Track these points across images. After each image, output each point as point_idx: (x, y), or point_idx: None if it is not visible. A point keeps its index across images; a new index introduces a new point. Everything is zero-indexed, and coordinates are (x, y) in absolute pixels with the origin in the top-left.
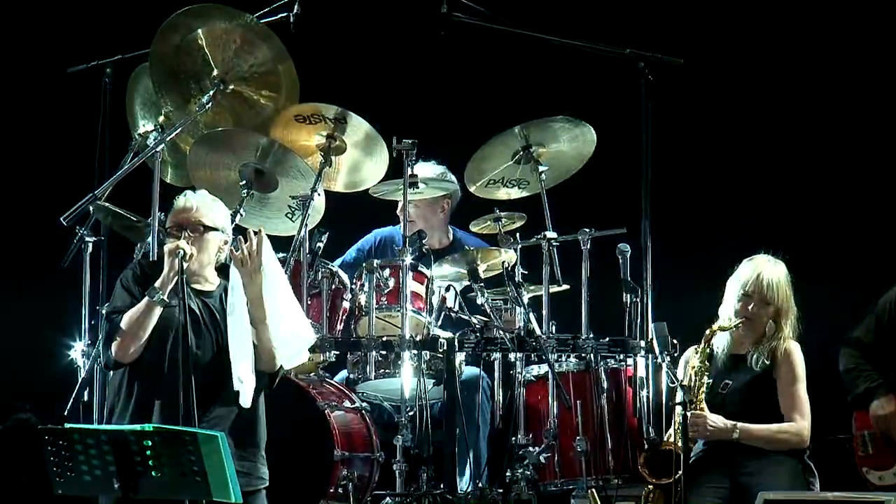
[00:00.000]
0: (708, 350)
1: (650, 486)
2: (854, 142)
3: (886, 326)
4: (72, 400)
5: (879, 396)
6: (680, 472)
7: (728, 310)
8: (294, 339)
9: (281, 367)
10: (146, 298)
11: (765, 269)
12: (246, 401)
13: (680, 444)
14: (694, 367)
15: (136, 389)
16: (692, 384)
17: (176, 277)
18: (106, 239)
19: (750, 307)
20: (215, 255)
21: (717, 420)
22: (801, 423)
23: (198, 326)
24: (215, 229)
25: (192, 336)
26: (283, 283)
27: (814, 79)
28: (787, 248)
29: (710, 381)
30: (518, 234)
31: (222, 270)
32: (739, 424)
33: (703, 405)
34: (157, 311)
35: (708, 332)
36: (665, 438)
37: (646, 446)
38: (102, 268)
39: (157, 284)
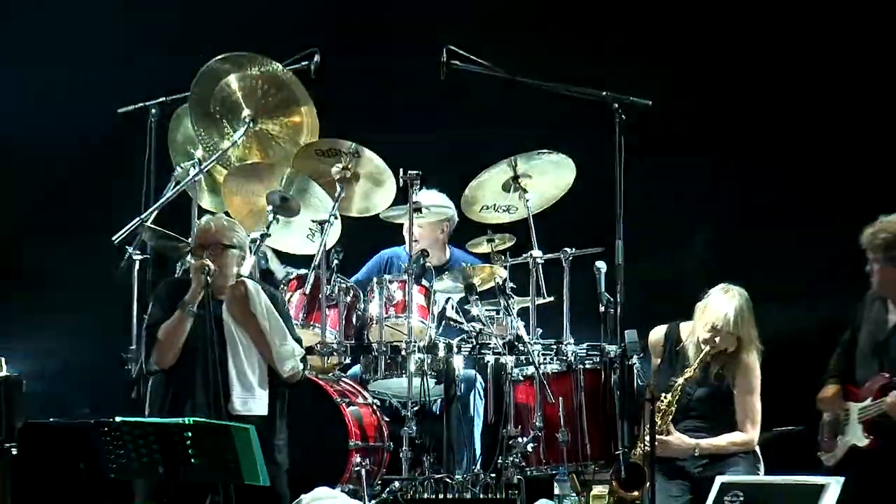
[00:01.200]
0: (681, 383)
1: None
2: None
3: (853, 332)
4: (125, 396)
5: (828, 384)
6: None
7: (699, 332)
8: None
9: (295, 375)
10: (178, 311)
11: (732, 307)
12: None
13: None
14: (674, 388)
15: (171, 388)
16: (672, 395)
17: (203, 291)
18: (151, 257)
19: (717, 339)
20: (235, 269)
21: (677, 441)
22: (751, 434)
23: (223, 334)
24: (233, 247)
25: (218, 343)
26: (271, 317)
27: (756, 127)
28: (740, 266)
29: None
30: (508, 253)
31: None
32: (701, 443)
33: (669, 423)
34: (189, 321)
35: (686, 373)
36: (633, 452)
37: (616, 463)
38: (148, 282)
39: (186, 298)
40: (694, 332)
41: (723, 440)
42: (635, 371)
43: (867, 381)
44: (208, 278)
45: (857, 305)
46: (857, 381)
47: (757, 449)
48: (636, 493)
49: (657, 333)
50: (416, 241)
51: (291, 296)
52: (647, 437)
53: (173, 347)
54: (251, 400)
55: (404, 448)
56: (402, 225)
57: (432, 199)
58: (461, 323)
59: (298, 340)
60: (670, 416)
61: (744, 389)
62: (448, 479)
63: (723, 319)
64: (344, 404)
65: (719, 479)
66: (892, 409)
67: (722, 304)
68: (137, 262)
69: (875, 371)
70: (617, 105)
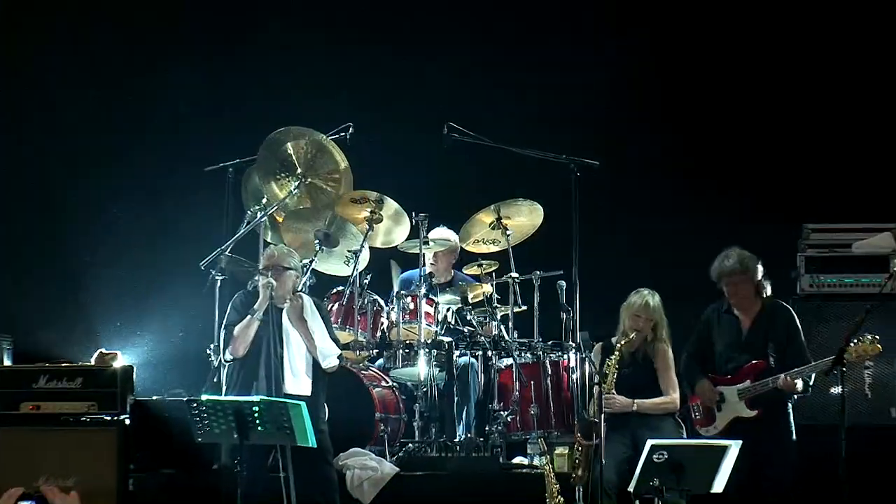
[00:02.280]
0: (618, 354)
1: (580, 446)
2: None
3: (701, 334)
4: (208, 380)
5: (699, 380)
6: (602, 437)
7: (624, 325)
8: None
9: (333, 367)
10: (249, 315)
11: (648, 298)
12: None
13: (599, 415)
14: (611, 363)
15: (242, 374)
16: (609, 372)
17: (267, 301)
18: (229, 277)
19: (640, 323)
20: (291, 285)
21: (620, 399)
22: (674, 396)
23: (282, 336)
24: (290, 269)
25: (278, 342)
26: (317, 324)
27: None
28: (657, 280)
29: (617, 370)
30: (493, 274)
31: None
32: (636, 401)
33: (613, 388)
34: (256, 324)
35: (619, 346)
36: (590, 413)
37: (577, 420)
38: (225, 295)
39: (255, 306)
40: (622, 323)
41: (652, 401)
42: (587, 362)
43: (736, 370)
44: (272, 293)
45: (699, 323)
46: (721, 373)
47: (679, 419)
48: (592, 442)
49: (598, 347)
50: (433, 264)
51: (332, 305)
52: (597, 406)
53: (244, 343)
54: (300, 383)
55: (416, 419)
56: (416, 254)
57: (442, 234)
58: (459, 326)
59: (336, 341)
60: (613, 386)
61: (663, 367)
62: (449, 443)
63: (643, 308)
64: (371, 386)
65: (650, 442)
66: (785, 385)
67: (640, 298)
68: (218, 281)
69: (744, 362)
70: (573, 165)
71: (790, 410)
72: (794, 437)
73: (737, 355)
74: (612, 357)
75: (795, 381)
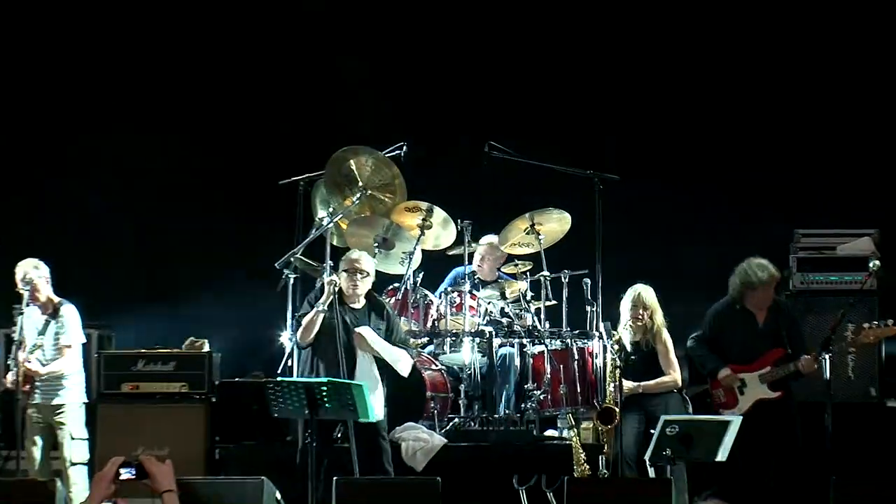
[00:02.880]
0: (617, 346)
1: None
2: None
3: (713, 329)
4: (282, 364)
5: (721, 369)
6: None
7: (624, 317)
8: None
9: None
10: (314, 309)
11: (643, 292)
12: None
13: (619, 395)
14: (613, 354)
15: (312, 359)
16: (622, 360)
17: (330, 297)
18: (299, 276)
19: (638, 314)
20: (364, 289)
21: (626, 384)
22: (674, 375)
23: (347, 327)
24: (368, 274)
25: (343, 332)
26: (379, 345)
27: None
28: (669, 276)
29: (625, 358)
30: (528, 273)
31: (369, 298)
32: (641, 384)
33: (617, 378)
34: (320, 317)
35: (616, 336)
36: (606, 400)
37: (597, 407)
38: (298, 292)
39: (320, 301)
40: (622, 317)
41: (654, 381)
42: (608, 350)
43: (759, 357)
44: (334, 289)
45: (709, 318)
46: (741, 361)
47: (686, 396)
48: (611, 426)
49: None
50: (480, 266)
51: (390, 300)
52: (616, 388)
53: (309, 332)
54: (366, 374)
55: (462, 397)
56: (461, 255)
57: (490, 239)
58: (499, 317)
59: (406, 341)
60: (619, 373)
61: (663, 351)
62: (490, 418)
63: (638, 299)
64: (423, 370)
65: (663, 417)
66: (806, 366)
67: (634, 293)
68: (290, 279)
69: (763, 351)
70: (597, 178)
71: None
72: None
73: (755, 345)
74: (613, 348)
75: (813, 364)
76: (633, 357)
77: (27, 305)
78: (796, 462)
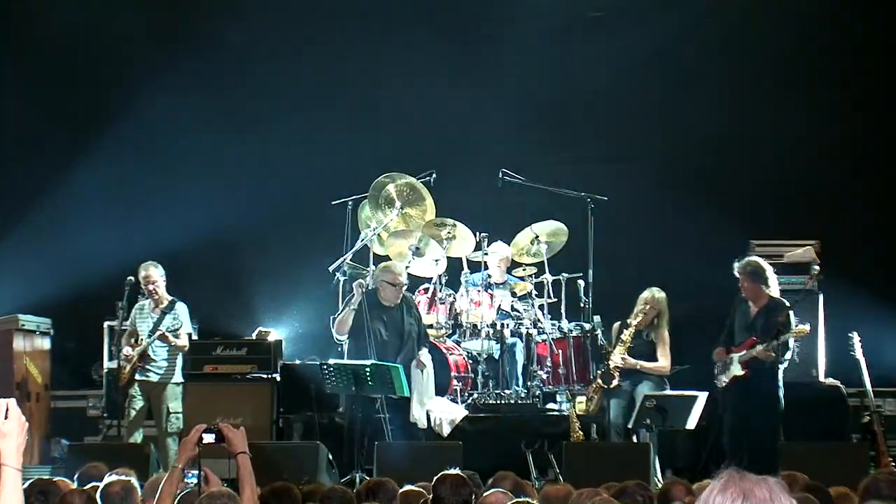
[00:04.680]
0: (632, 330)
1: (595, 388)
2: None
3: (730, 315)
4: (338, 350)
5: (716, 349)
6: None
7: (638, 307)
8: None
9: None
10: (346, 307)
11: (656, 294)
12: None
13: (607, 378)
14: (627, 335)
15: (357, 347)
16: (626, 341)
17: (360, 297)
18: (348, 278)
19: (647, 309)
20: (400, 295)
21: (629, 360)
22: (665, 363)
23: (381, 323)
24: (404, 284)
25: (381, 327)
26: (426, 358)
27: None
28: (649, 279)
29: (631, 340)
30: (532, 276)
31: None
32: (640, 362)
33: (626, 352)
34: (352, 313)
35: (634, 324)
36: (610, 367)
37: (600, 370)
38: (347, 291)
39: (352, 300)
40: (636, 308)
41: (650, 364)
42: (599, 337)
43: (742, 343)
44: (363, 291)
45: (731, 306)
46: (735, 344)
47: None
48: (608, 386)
49: (616, 325)
50: (493, 269)
51: (421, 297)
52: (602, 370)
53: (342, 326)
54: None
55: (479, 377)
56: (479, 261)
57: (499, 247)
58: (509, 312)
59: (426, 334)
60: (626, 351)
61: (660, 344)
62: (502, 393)
63: (651, 299)
64: (448, 354)
65: (643, 392)
66: (760, 354)
67: (649, 293)
68: (341, 281)
69: (746, 337)
70: (589, 199)
71: (775, 373)
72: (778, 392)
73: (744, 332)
74: (628, 331)
75: (768, 352)
76: (634, 341)
77: (146, 300)
78: (761, 429)
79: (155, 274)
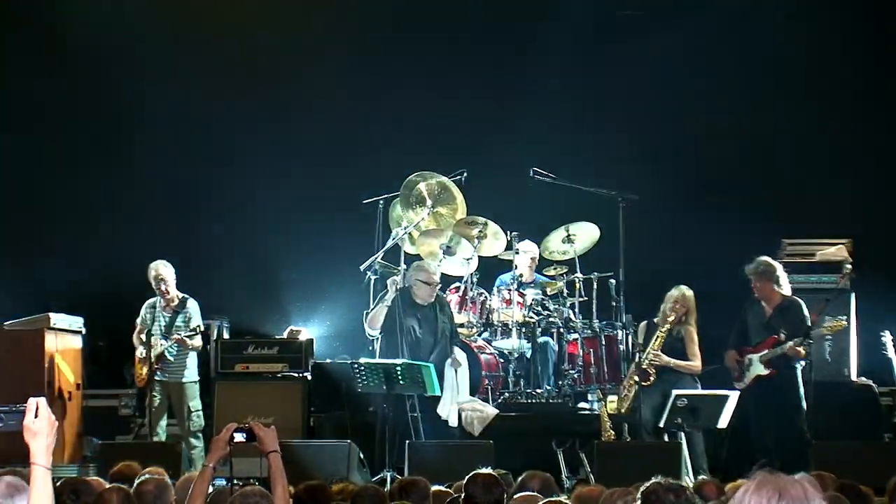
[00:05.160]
0: (666, 329)
1: (631, 385)
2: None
3: (741, 317)
4: (370, 349)
5: (727, 353)
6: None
7: (667, 305)
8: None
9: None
10: (381, 303)
11: (686, 293)
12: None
13: (637, 376)
14: (661, 333)
15: (388, 345)
16: (659, 338)
17: (394, 293)
18: (379, 276)
19: (676, 308)
20: (434, 293)
21: (663, 357)
22: (697, 362)
23: (415, 321)
24: (437, 283)
25: (415, 325)
26: (461, 356)
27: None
28: (679, 277)
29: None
30: (564, 275)
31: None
32: (673, 360)
33: (660, 350)
34: (384, 310)
35: (667, 323)
36: (645, 362)
37: (635, 370)
38: (378, 289)
39: (386, 297)
40: (664, 306)
41: (683, 362)
42: (630, 337)
43: (761, 343)
44: (396, 288)
45: (742, 308)
46: (752, 345)
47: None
48: (643, 383)
49: (643, 324)
50: (524, 269)
51: (451, 297)
52: (635, 368)
53: (375, 321)
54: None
55: (511, 376)
56: (511, 260)
57: (529, 246)
58: (540, 310)
59: (456, 333)
60: (660, 348)
61: (689, 342)
62: (533, 392)
63: (681, 297)
64: (479, 353)
65: (675, 392)
66: (791, 351)
67: (678, 291)
68: (372, 279)
69: (766, 337)
70: (620, 198)
71: (797, 371)
72: (801, 390)
73: (761, 333)
74: (663, 329)
75: (798, 349)
76: (666, 343)
77: (157, 298)
78: (789, 427)
79: (166, 273)
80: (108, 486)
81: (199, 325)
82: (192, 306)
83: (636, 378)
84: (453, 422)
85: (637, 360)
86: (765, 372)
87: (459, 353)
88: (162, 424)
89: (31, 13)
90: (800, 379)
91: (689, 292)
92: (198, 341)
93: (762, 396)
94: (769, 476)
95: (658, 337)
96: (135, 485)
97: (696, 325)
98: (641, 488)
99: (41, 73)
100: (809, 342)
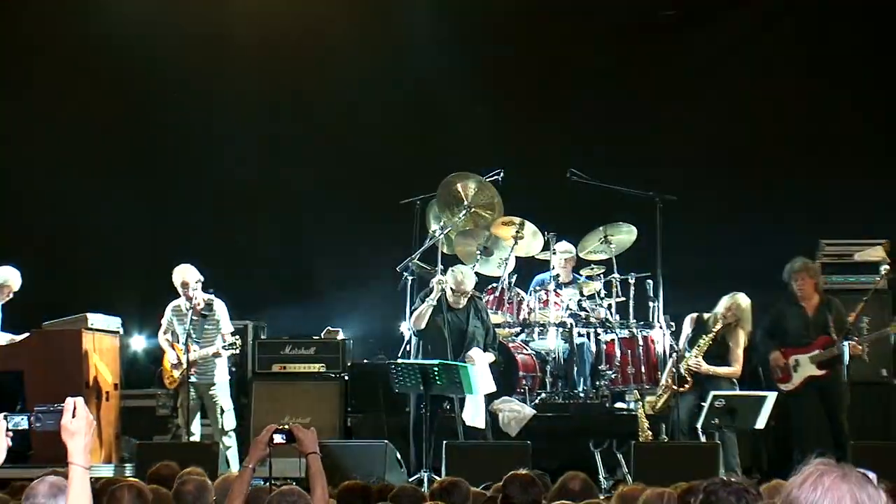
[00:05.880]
0: (711, 336)
1: (666, 389)
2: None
3: (772, 320)
4: (401, 349)
5: (774, 354)
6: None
7: (722, 309)
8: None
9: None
10: (426, 302)
11: (741, 303)
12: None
13: (677, 376)
14: (705, 339)
15: (424, 345)
16: (704, 344)
17: (438, 293)
18: (416, 277)
19: (729, 314)
20: (461, 299)
21: (704, 365)
22: (737, 367)
23: (444, 322)
24: (466, 293)
25: (444, 326)
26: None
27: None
28: (717, 277)
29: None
30: (601, 275)
31: (471, 299)
32: (713, 367)
33: (701, 356)
34: (429, 310)
35: (714, 331)
36: (683, 369)
37: (672, 374)
38: (414, 290)
39: (430, 297)
40: (719, 308)
41: (723, 369)
42: (668, 336)
43: (809, 343)
44: (442, 288)
45: (774, 309)
46: (794, 345)
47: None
48: (679, 388)
49: (692, 316)
50: (563, 268)
51: (489, 297)
52: (675, 371)
53: (420, 320)
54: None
55: (548, 376)
56: (548, 260)
57: (566, 246)
58: (577, 311)
59: (496, 335)
60: (702, 354)
61: (734, 346)
62: (570, 393)
63: (735, 307)
64: (516, 354)
65: (712, 393)
66: (854, 350)
67: (734, 299)
68: (409, 280)
69: (814, 338)
70: (657, 199)
71: (845, 370)
72: (847, 389)
73: (806, 333)
74: (707, 337)
75: (858, 347)
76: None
77: (181, 300)
78: (835, 427)
79: (190, 276)
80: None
81: (237, 340)
82: (220, 308)
83: (671, 382)
84: (479, 424)
85: (676, 362)
86: (818, 372)
87: (475, 353)
88: (196, 424)
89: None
90: (846, 378)
91: (745, 303)
92: (214, 349)
93: (812, 397)
94: (829, 464)
95: (703, 344)
96: (174, 485)
97: (747, 332)
98: (703, 485)
99: (76, 80)
100: (870, 338)
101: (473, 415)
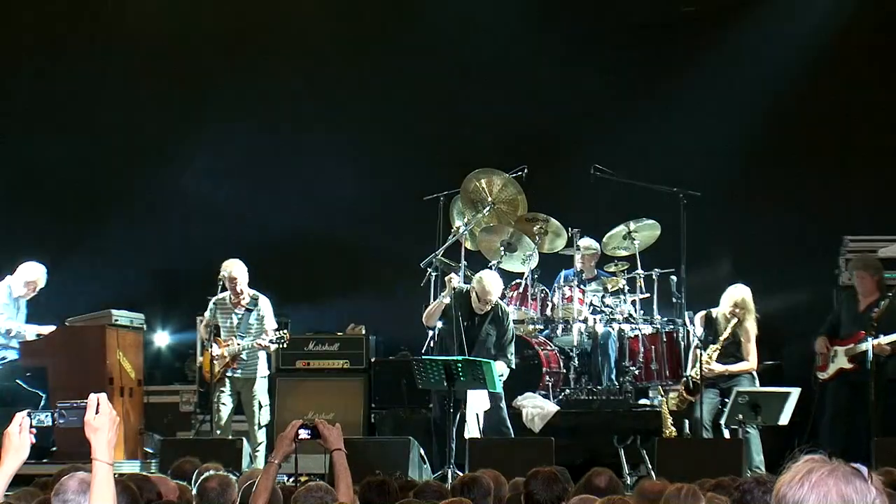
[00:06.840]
0: (722, 341)
1: (683, 399)
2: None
3: (836, 307)
4: (425, 345)
5: (818, 339)
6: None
7: (725, 307)
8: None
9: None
10: (437, 300)
11: (745, 296)
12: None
13: (696, 377)
14: (717, 344)
15: (444, 342)
16: (711, 352)
17: (451, 292)
18: (439, 273)
19: (736, 311)
20: (484, 307)
21: (716, 367)
22: (751, 362)
23: (460, 323)
24: (489, 302)
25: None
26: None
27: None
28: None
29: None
30: (624, 271)
31: (495, 307)
32: (727, 367)
33: (713, 359)
34: (441, 307)
35: (724, 331)
36: (691, 373)
37: (683, 380)
38: (438, 286)
39: (442, 294)
40: (722, 307)
41: (737, 366)
42: (692, 335)
43: (849, 336)
44: (452, 286)
45: (838, 298)
46: (841, 337)
47: (755, 375)
48: (693, 398)
49: (701, 315)
50: (583, 263)
51: (513, 293)
52: (696, 369)
53: (430, 318)
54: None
55: (571, 372)
56: (571, 256)
57: (589, 243)
58: (601, 307)
59: (509, 343)
60: (713, 358)
61: (745, 341)
62: (594, 389)
63: (742, 302)
64: (540, 349)
65: (736, 389)
66: (876, 347)
67: (739, 292)
68: (433, 276)
69: (854, 331)
70: (682, 195)
71: (869, 365)
72: (872, 386)
73: (852, 325)
74: (719, 340)
75: (884, 346)
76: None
77: (226, 294)
78: (858, 421)
79: (239, 272)
80: (170, 482)
81: (285, 333)
82: (265, 304)
83: (682, 388)
84: (475, 434)
85: (692, 366)
86: (848, 366)
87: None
88: (228, 421)
89: None
90: (876, 375)
91: (746, 294)
92: (274, 344)
93: (843, 390)
94: (819, 459)
95: (712, 351)
96: (198, 482)
97: (755, 321)
98: (736, 483)
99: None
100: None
101: (471, 429)
